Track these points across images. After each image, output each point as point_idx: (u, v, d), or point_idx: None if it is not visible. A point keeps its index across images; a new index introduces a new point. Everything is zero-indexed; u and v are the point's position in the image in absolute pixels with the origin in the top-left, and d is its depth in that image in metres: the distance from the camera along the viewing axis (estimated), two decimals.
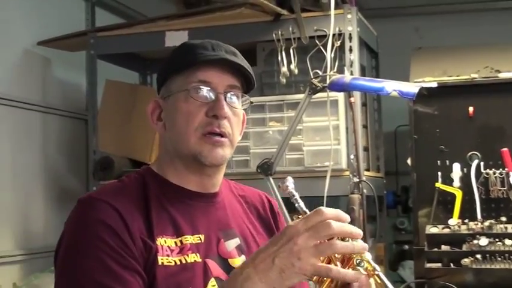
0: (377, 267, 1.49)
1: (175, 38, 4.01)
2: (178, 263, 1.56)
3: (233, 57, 1.65)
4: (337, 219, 1.39)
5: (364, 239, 3.59)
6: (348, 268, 1.47)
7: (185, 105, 1.62)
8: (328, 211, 1.40)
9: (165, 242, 1.56)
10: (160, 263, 1.53)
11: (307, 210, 1.56)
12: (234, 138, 1.66)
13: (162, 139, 1.72)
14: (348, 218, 1.42)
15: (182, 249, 1.58)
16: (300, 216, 1.55)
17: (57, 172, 4.54)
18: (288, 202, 4.02)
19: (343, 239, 1.41)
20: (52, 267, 1.55)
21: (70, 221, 1.57)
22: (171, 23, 4.02)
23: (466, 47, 4.38)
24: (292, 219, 1.61)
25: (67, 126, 4.64)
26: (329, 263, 1.48)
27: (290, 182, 1.63)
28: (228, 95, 1.65)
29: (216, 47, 1.66)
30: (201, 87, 1.62)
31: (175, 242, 1.58)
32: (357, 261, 1.48)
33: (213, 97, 1.63)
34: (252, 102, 1.73)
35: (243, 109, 1.71)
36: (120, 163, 4.13)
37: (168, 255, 1.55)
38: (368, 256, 1.50)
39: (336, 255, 1.47)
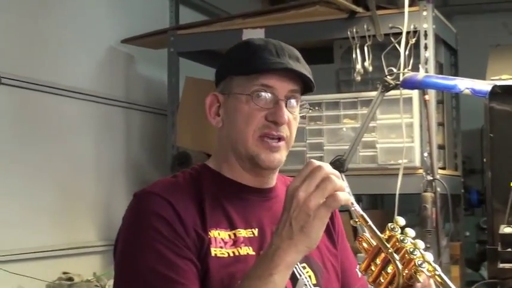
0: (437, 267, 1.51)
1: (252, 36, 4.07)
2: (231, 254, 1.59)
3: (296, 64, 1.66)
4: (333, 173, 1.45)
5: (438, 238, 3.57)
6: (410, 270, 1.50)
7: (246, 107, 1.64)
8: (326, 166, 1.45)
9: (219, 234, 1.60)
10: (213, 254, 1.56)
11: (363, 214, 1.58)
12: (290, 141, 1.68)
13: (219, 134, 1.73)
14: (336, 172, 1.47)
15: (236, 242, 1.61)
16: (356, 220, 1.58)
17: (139, 166, 4.68)
18: (359, 199, 4.02)
19: None
20: None
21: (126, 215, 1.63)
22: (248, 20, 4.09)
23: None
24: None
25: (149, 122, 4.78)
26: (388, 262, 1.51)
27: (345, 185, 1.64)
28: (289, 100, 1.66)
29: (280, 52, 1.66)
30: (263, 92, 1.64)
31: (229, 235, 1.61)
32: (419, 263, 1.50)
33: (273, 102, 1.64)
34: (310, 109, 1.75)
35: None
36: (197, 158, 4.22)
37: (221, 247, 1.58)
38: (429, 257, 1.52)
39: (397, 257, 1.50)
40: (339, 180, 1.44)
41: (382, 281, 1.55)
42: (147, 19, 4.66)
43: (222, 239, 1.60)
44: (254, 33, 4.05)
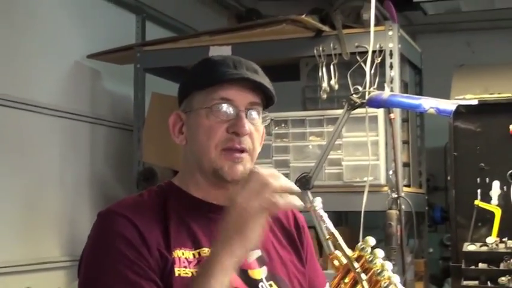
0: None
1: (218, 53, 4.07)
2: (195, 274, 1.58)
3: (254, 75, 1.68)
4: (273, 178, 1.48)
5: (403, 255, 3.60)
6: None
7: (207, 121, 1.66)
8: (264, 171, 1.49)
9: (183, 254, 1.60)
10: (177, 274, 1.57)
11: (335, 231, 1.59)
12: (254, 153, 1.69)
13: (183, 152, 1.75)
14: (279, 174, 1.50)
15: (200, 261, 1.61)
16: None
17: (104, 181, 4.65)
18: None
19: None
20: None
21: (91, 234, 1.63)
22: (215, 38, 4.10)
23: (509, 64, 4.34)
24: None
25: (114, 137, 4.75)
26: (357, 282, 1.53)
27: (318, 202, 1.65)
28: (249, 111, 1.68)
29: (238, 64, 1.69)
30: (222, 104, 1.66)
31: (193, 254, 1.62)
32: (384, 285, 1.52)
33: (234, 114, 1.66)
34: (271, 120, 1.77)
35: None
36: (164, 174, 4.22)
37: (185, 267, 1.59)
38: (396, 279, 1.54)
39: (364, 277, 1.53)
40: (282, 182, 1.48)
41: None
42: (113, 34, 4.64)
43: (186, 258, 1.60)
44: (221, 50, 4.06)
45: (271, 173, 1.49)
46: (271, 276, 1.72)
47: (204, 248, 1.64)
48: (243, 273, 1.67)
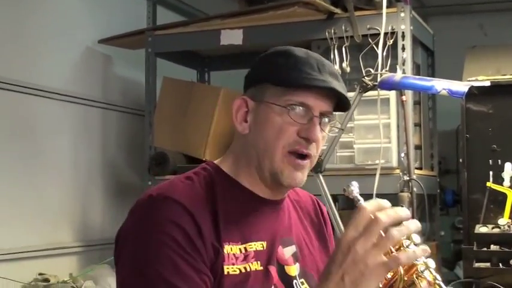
0: (438, 276, 1.50)
1: (230, 36, 4.09)
2: (243, 270, 1.56)
3: (336, 83, 1.60)
4: (379, 209, 1.38)
5: None
6: (412, 276, 1.48)
7: (279, 119, 1.59)
8: (370, 206, 1.39)
9: (231, 250, 1.56)
10: (226, 272, 1.53)
11: None
12: (314, 160, 1.65)
13: (242, 140, 1.67)
14: (387, 203, 1.41)
15: (246, 257, 1.58)
16: None
17: (116, 166, 4.67)
18: (336, 200, 4.03)
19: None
20: (108, 259, 1.59)
21: (139, 216, 1.56)
22: (226, 21, 4.09)
23: None
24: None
25: (126, 122, 4.76)
26: (395, 274, 1.49)
27: (355, 186, 1.63)
28: (323, 119, 1.62)
29: (321, 67, 1.61)
30: (300, 107, 1.59)
31: (240, 249, 1.57)
32: (421, 269, 1.48)
33: (307, 119, 1.59)
34: (339, 129, 1.71)
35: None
36: (175, 159, 4.22)
37: (233, 264, 1.55)
38: (431, 264, 1.50)
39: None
40: (402, 229, 1.38)
41: (381, 286, 1.52)
42: (124, 19, 4.65)
43: (233, 254, 1.56)
44: (232, 34, 4.06)
45: (378, 205, 1.40)
46: (303, 274, 1.69)
47: (250, 243, 1.60)
48: (281, 269, 1.65)
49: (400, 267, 1.47)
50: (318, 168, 3.39)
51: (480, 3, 5.50)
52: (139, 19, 4.68)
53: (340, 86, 1.60)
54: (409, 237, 1.50)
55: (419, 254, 1.40)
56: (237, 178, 1.65)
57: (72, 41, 4.34)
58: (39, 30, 4.07)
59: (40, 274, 3.80)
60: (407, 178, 3.64)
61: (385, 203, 1.40)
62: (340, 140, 3.61)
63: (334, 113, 1.66)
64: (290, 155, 1.59)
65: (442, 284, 1.49)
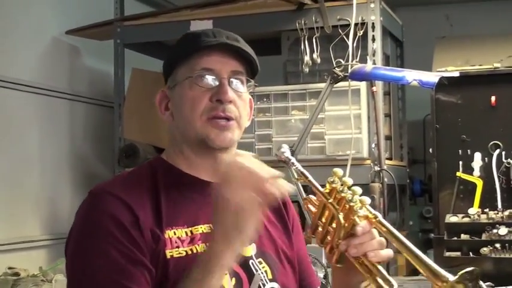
0: (378, 214, 1.54)
1: (199, 27, 4.05)
2: (189, 252, 1.57)
3: (234, 42, 1.66)
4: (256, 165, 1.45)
5: None
6: (350, 219, 1.53)
7: (190, 92, 1.64)
8: (242, 160, 1.47)
9: (175, 234, 1.58)
10: (169, 256, 1.55)
11: (305, 172, 1.63)
12: (241, 121, 1.67)
13: (171, 129, 1.72)
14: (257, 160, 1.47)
15: (193, 239, 1.59)
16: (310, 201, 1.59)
17: (84, 159, 4.62)
18: (306, 190, 4.04)
19: None
20: None
21: (81, 213, 1.59)
22: (195, 12, 4.07)
23: (490, 36, 4.35)
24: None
25: (94, 114, 4.72)
26: (332, 218, 1.56)
27: (286, 148, 1.67)
28: (232, 79, 1.66)
29: (217, 34, 1.66)
30: (204, 74, 1.64)
31: (185, 232, 1.59)
32: (357, 209, 1.53)
33: (216, 83, 1.64)
34: (256, 86, 1.74)
35: (249, 93, 1.73)
36: (145, 150, 4.20)
37: (177, 247, 1.57)
38: (367, 201, 1.55)
39: (338, 207, 1.54)
40: (269, 171, 1.44)
41: (329, 238, 1.58)
42: (92, 10, 4.60)
43: (178, 237, 1.58)
44: (202, 25, 4.03)
45: (252, 160, 1.47)
46: (260, 253, 1.70)
47: (197, 226, 1.62)
48: None
49: (339, 215, 1.53)
50: (289, 165, 3.38)
51: None
52: (107, 10, 4.62)
53: (239, 45, 1.66)
54: (354, 192, 1.55)
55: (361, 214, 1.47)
56: (176, 165, 1.69)
57: (39, 31, 4.28)
58: (5, 21, 4.00)
59: (10, 268, 3.76)
60: (378, 168, 3.67)
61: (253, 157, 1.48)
62: (311, 131, 3.62)
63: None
64: (210, 121, 1.63)
65: (383, 221, 1.52)
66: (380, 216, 1.54)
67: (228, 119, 1.64)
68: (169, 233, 1.57)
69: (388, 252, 1.55)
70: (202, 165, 1.69)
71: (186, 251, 1.57)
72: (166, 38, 4.44)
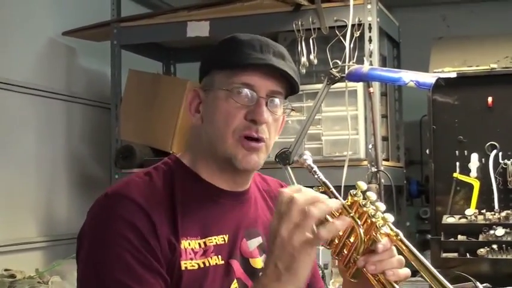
0: (400, 232, 1.51)
1: (197, 28, 4.06)
2: (201, 265, 1.55)
3: (280, 62, 1.60)
4: (298, 192, 1.39)
5: None
6: (371, 235, 1.49)
7: (225, 105, 1.59)
8: (288, 190, 1.40)
9: (189, 245, 1.54)
10: (183, 267, 1.52)
11: (326, 181, 1.57)
12: (270, 143, 1.63)
13: (197, 131, 1.67)
14: (308, 190, 1.41)
15: (206, 252, 1.57)
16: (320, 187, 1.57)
17: (81, 160, 4.62)
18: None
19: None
20: (74, 254, 1.57)
21: (97, 215, 1.55)
22: (193, 13, 4.07)
23: (487, 36, 4.35)
24: None
25: (91, 115, 4.71)
26: (351, 232, 1.50)
27: (308, 155, 1.63)
28: (270, 100, 1.61)
29: (265, 48, 1.60)
30: (243, 89, 1.59)
31: (199, 244, 1.56)
32: (379, 225, 1.49)
33: (254, 101, 1.59)
34: (293, 109, 1.69)
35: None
36: (142, 152, 4.19)
37: (191, 259, 1.54)
38: (390, 219, 1.51)
39: (359, 223, 1.48)
40: (321, 206, 1.38)
41: (346, 252, 1.54)
42: (88, 11, 4.58)
43: (192, 249, 1.55)
44: (199, 26, 4.03)
45: (308, 196, 1.39)
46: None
47: (210, 237, 1.59)
48: (245, 262, 1.64)
49: (360, 230, 1.48)
50: (286, 161, 3.39)
51: None
52: (103, 11, 4.61)
53: (284, 65, 1.60)
54: (377, 208, 1.50)
55: (338, 225, 1.40)
56: (196, 170, 1.65)
57: (36, 32, 4.27)
58: (1, 22, 3.99)
59: (6, 270, 3.74)
60: (375, 169, 3.66)
61: (305, 189, 1.41)
62: (308, 132, 3.61)
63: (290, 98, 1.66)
64: (242, 140, 1.58)
65: (404, 239, 1.50)
66: (401, 235, 1.51)
67: (259, 140, 1.59)
68: (184, 243, 1.54)
69: (406, 272, 1.51)
70: (223, 178, 1.65)
71: (198, 264, 1.55)
72: (163, 39, 4.45)
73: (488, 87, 3.78)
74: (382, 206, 1.53)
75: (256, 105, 1.58)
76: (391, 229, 1.52)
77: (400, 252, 1.52)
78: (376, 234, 1.50)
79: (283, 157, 3.39)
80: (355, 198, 1.54)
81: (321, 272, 3.24)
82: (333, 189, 1.57)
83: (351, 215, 1.50)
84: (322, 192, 1.54)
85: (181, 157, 1.68)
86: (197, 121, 1.66)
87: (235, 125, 1.58)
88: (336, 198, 1.56)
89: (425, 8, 5.62)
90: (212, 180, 1.64)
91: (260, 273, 1.43)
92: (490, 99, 3.75)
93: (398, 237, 1.51)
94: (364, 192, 1.55)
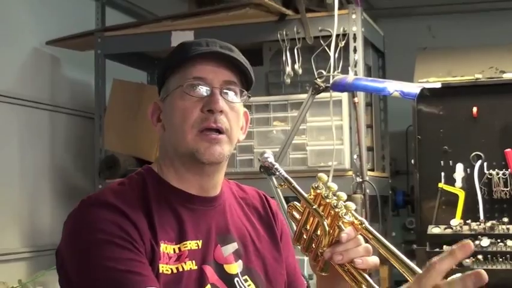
0: (364, 220, 1.51)
1: (181, 38, 4.03)
2: (175, 271, 1.54)
3: (228, 51, 1.62)
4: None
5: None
6: (336, 223, 1.49)
7: (181, 102, 1.60)
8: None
9: (166, 249, 1.54)
10: (161, 270, 1.52)
11: (289, 178, 1.59)
12: (232, 134, 1.63)
13: (162, 140, 1.69)
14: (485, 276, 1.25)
15: (180, 257, 1.56)
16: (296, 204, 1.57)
17: (65, 170, 4.58)
18: (289, 201, 4.03)
19: None
20: None
21: (74, 224, 1.54)
22: (177, 23, 4.05)
23: (472, 47, 4.37)
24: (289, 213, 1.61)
25: (75, 125, 4.68)
26: (317, 226, 1.51)
27: (269, 153, 1.65)
28: (224, 89, 1.62)
29: (211, 43, 1.63)
30: (195, 83, 1.60)
31: (174, 249, 1.56)
32: (343, 214, 1.49)
33: (208, 92, 1.60)
34: (249, 97, 1.70)
35: (244, 105, 1.69)
36: (126, 162, 4.17)
37: (167, 263, 1.54)
38: (352, 207, 1.53)
39: (322, 214, 1.49)
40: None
41: (313, 246, 1.54)
42: (72, 21, 4.56)
43: (167, 253, 1.55)
44: (183, 36, 4.01)
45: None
46: (247, 271, 1.67)
47: (185, 242, 1.58)
48: (219, 268, 1.63)
49: (324, 221, 1.48)
50: (270, 171, 3.37)
51: (428, 5, 5.54)
52: (87, 20, 4.60)
53: (233, 54, 1.62)
54: (339, 198, 1.53)
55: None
56: (166, 178, 1.66)
57: (19, 42, 4.24)
58: None
59: None
60: (360, 180, 3.66)
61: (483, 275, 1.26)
62: (293, 142, 3.61)
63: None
64: (202, 133, 1.59)
65: (369, 227, 1.49)
66: (366, 223, 1.51)
67: (219, 131, 1.59)
68: (162, 247, 1.54)
69: (374, 260, 1.51)
70: (191, 180, 1.65)
71: (171, 269, 1.54)
72: (148, 49, 4.42)
73: (473, 97, 3.79)
74: (343, 195, 1.55)
75: (210, 96, 1.60)
76: (356, 218, 1.51)
77: (367, 241, 1.51)
78: (339, 223, 1.50)
79: (267, 168, 3.37)
80: (318, 191, 1.55)
81: (306, 282, 3.23)
82: (295, 184, 1.60)
83: (314, 207, 1.52)
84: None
85: (153, 166, 1.70)
86: (159, 130, 1.67)
87: (193, 119, 1.59)
88: (299, 193, 1.58)
89: (411, 18, 5.64)
90: (182, 187, 1.65)
91: None
92: (474, 109, 3.76)
93: (363, 226, 1.50)
94: (325, 184, 1.57)
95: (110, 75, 4.43)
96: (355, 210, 3.43)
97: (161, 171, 1.66)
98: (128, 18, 5.12)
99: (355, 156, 3.74)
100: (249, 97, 1.70)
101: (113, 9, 4.97)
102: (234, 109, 1.64)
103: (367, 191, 3.68)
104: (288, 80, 3.85)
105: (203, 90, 1.60)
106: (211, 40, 1.65)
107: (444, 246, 3.51)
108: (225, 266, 1.64)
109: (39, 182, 4.37)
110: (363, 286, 1.49)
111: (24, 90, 4.23)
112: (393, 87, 3.23)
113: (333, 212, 1.50)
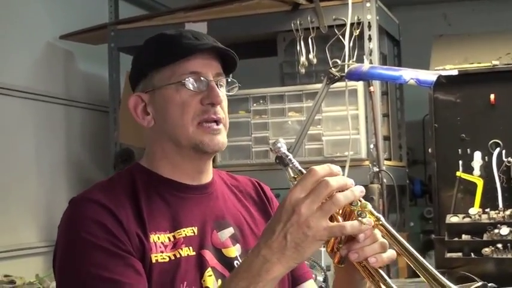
0: (381, 217, 1.46)
1: (194, 29, 4.01)
2: (172, 257, 1.56)
3: (219, 44, 1.66)
4: (331, 175, 1.35)
5: None
6: (352, 219, 1.43)
7: (178, 96, 1.62)
8: (320, 170, 1.35)
9: (158, 239, 1.56)
10: (154, 260, 1.53)
11: (303, 170, 1.52)
12: (226, 123, 1.68)
13: (150, 133, 1.69)
14: (338, 169, 1.38)
15: (176, 244, 1.58)
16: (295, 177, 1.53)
17: (80, 164, 4.59)
18: None
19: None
20: None
21: (62, 223, 1.57)
22: (190, 14, 4.04)
23: (488, 33, 4.31)
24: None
25: (90, 119, 4.68)
26: (331, 220, 1.43)
27: (282, 143, 1.62)
28: (219, 82, 1.67)
29: (199, 36, 1.66)
30: (193, 77, 1.62)
31: (168, 238, 1.58)
32: (358, 213, 1.42)
33: (205, 85, 1.63)
34: (239, 85, 1.75)
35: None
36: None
37: (162, 252, 1.55)
38: (369, 206, 1.45)
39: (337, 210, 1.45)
40: (348, 195, 1.35)
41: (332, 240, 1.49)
42: (85, 14, 4.57)
43: (162, 242, 1.56)
44: (196, 27, 3.99)
45: (329, 169, 1.36)
46: (246, 253, 1.64)
47: (179, 230, 1.60)
48: (218, 252, 1.64)
49: (340, 219, 1.43)
50: (285, 161, 3.34)
51: None
52: (100, 14, 4.59)
53: (222, 45, 1.66)
54: (361, 207, 1.46)
55: (367, 223, 1.37)
56: (156, 170, 1.66)
57: (33, 37, 4.25)
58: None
59: (6, 276, 3.72)
60: (377, 169, 3.64)
61: (336, 168, 1.38)
62: (308, 132, 3.58)
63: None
64: (202, 125, 1.62)
65: (385, 224, 1.46)
66: (383, 219, 1.47)
67: (217, 122, 1.64)
68: (153, 237, 1.55)
69: (390, 255, 1.46)
70: (186, 169, 1.67)
71: (169, 256, 1.55)
72: None
73: (490, 84, 3.72)
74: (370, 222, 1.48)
75: (209, 89, 1.63)
76: (372, 214, 1.46)
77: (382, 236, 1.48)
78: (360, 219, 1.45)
79: (283, 159, 3.35)
80: None
81: (323, 274, 3.21)
82: None
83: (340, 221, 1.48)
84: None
85: (140, 161, 1.72)
86: (149, 123, 1.67)
87: (193, 111, 1.62)
88: None
89: (426, 5, 5.59)
90: (173, 177, 1.66)
91: (259, 242, 1.40)
92: (492, 96, 3.69)
93: (380, 222, 1.46)
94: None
95: (124, 68, 4.41)
96: (372, 200, 3.42)
97: (151, 164, 1.68)
98: (140, 10, 5.12)
99: (371, 146, 3.71)
100: (239, 85, 1.75)
101: (125, 2, 4.98)
102: (225, 99, 1.69)
103: (384, 180, 3.65)
104: (303, 70, 3.82)
105: (200, 83, 1.63)
106: (194, 32, 1.67)
107: (463, 236, 3.47)
108: (224, 250, 1.66)
109: (55, 176, 4.38)
110: (380, 284, 1.46)
111: (39, 85, 4.24)
112: (409, 75, 3.19)
113: (349, 209, 1.48)
